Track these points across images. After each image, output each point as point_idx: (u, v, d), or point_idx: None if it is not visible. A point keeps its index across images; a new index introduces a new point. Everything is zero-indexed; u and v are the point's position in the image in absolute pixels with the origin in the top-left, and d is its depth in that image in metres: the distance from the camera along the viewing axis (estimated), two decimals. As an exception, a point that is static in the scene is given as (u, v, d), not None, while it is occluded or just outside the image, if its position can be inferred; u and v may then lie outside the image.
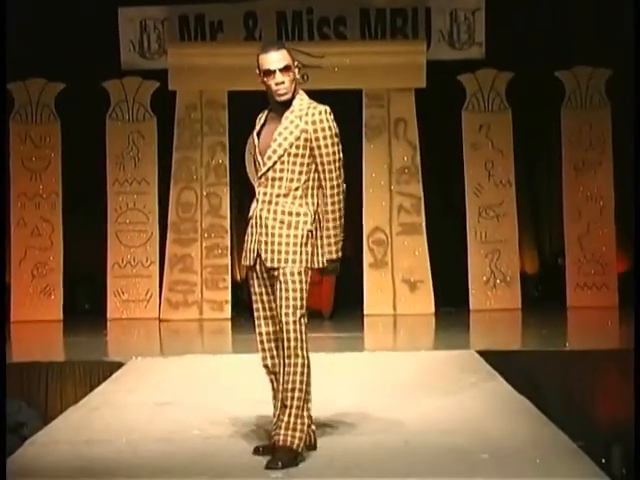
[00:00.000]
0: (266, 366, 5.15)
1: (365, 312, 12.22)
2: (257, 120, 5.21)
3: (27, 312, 12.18)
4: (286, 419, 4.94)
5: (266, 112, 5.19)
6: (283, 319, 4.91)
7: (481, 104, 12.69)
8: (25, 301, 12.29)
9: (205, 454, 5.17)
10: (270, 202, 5.00)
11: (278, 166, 5.00)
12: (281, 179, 5.00)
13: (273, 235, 4.98)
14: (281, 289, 4.94)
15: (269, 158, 5.00)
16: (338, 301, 12.27)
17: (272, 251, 4.98)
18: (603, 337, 10.12)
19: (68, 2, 12.26)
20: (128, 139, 12.56)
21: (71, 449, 5.36)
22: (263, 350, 5.14)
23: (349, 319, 11.94)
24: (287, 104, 5.03)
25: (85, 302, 13.16)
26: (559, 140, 12.69)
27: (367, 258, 12.44)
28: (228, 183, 12.49)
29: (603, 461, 6.20)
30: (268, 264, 4.99)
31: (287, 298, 4.92)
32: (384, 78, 12.42)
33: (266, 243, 4.99)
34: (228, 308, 12.32)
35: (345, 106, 12.50)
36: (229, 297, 12.32)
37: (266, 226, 5.00)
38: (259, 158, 5.06)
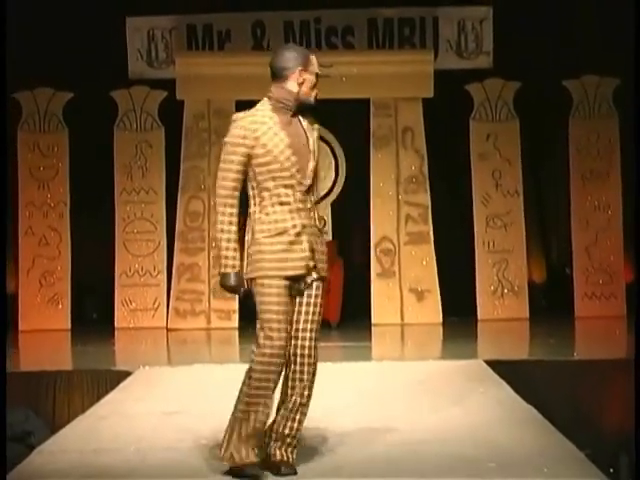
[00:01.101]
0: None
1: (372, 321, 12.20)
2: (252, 123, 5.07)
3: (35, 321, 12.18)
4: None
5: (261, 116, 5.05)
6: (313, 335, 4.80)
7: (489, 113, 12.69)
8: (33, 310, 12.29)
9: (213, 463, 5.16)
10: (310, 210, 4.85)
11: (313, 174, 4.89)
12: (312, 187, 4.89)
13: (322, 244, 4.89)
14: (316, 303, 4.82)
15: (311, 165, 4.86)
16: (346, 310, 12.26)
17: (324, 261, 4.87)
18: (611, 347, 10.09)
19: (76, 12, 12.29)
20: (136, 148, 12.58)
21: (79, 458, 5.36)
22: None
23: (356, 328, 11.92)
24: (294, 112, 4.93)
25: (93, 311, 13.17)
26: (567, 149, 12.66)
27: (375, 267, 12.42)
28: (236, 192, 12.47)
29: (611, 470, 6.21)
30: (323, 273, 4.85)
31: (320, 314, 4.83)
32: (392, 87, 12.43)
33: (322, 253, 4.86)
34: (236, 317, 12.31)
35: (353, 115, 12.60)
36: (237, 306, 12.28)
37: (318, 235, 4.86)
38: (297, 165, 4.80)
